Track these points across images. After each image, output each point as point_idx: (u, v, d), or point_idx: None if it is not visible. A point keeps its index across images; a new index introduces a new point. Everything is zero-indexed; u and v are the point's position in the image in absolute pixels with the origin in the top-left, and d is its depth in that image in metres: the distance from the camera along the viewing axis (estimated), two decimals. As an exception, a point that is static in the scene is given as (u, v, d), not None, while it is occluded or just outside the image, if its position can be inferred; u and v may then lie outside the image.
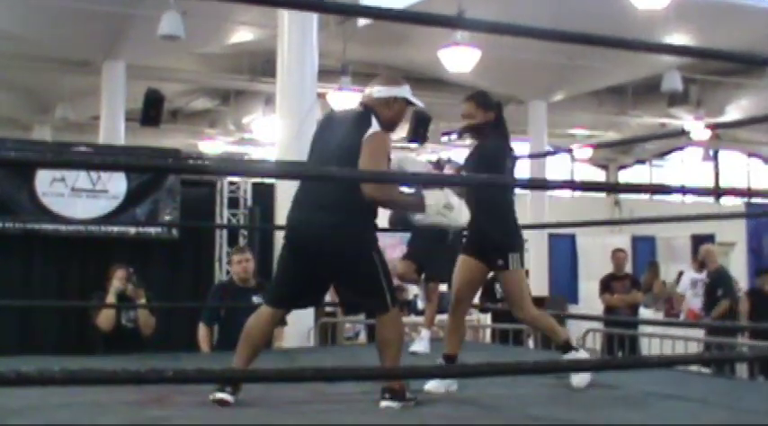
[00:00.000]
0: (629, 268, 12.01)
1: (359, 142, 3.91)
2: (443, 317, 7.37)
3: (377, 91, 4.13)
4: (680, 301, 11.05)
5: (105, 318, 6.28)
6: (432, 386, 4.29)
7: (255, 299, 6.27)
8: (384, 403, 3.84)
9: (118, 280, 6.38)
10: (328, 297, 8.64)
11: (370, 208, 3.97)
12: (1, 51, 14.08)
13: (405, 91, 4.17)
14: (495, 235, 4.54)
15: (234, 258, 6.74)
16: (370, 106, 4.09)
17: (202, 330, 6.52)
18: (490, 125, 4.61)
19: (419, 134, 10.39)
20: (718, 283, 9.43)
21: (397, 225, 6.57)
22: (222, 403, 3.77)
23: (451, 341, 4.53)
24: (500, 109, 4.72)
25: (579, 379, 4.41)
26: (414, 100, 4.22)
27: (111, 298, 6.29)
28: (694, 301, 10.37)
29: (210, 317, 6.50)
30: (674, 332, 8.18)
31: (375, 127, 3.97)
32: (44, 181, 7.37)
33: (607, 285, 9.92)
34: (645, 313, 11.29)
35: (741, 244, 13.10)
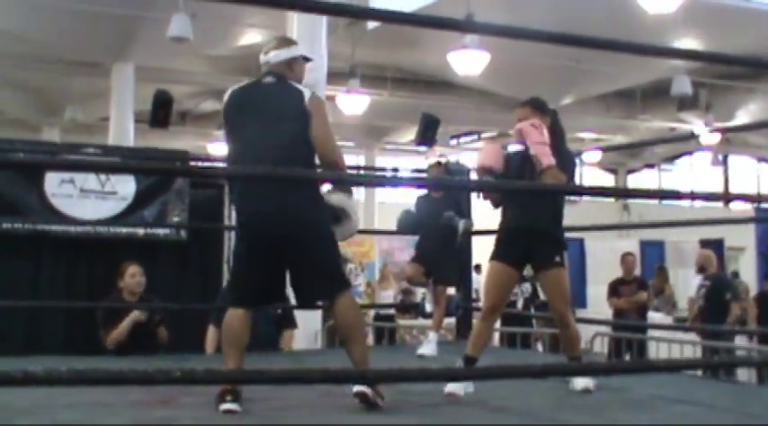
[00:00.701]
0: (637, 272, 11.93)
1: (302, 108, 3.86)
2: (451, 320, 7.41)
3: (274, 55, 4.07)
4: (693, 306, 10.99)
5: (115, 341, 6.19)
6: (452, 387, 4.25)
7: None
8: (357, 388, 3.78)
9: (130, 277, 6.36)
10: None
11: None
12: (11, 52, 14.15)
13: (300, 49, 4.17)
14: (556, 232, 4.63)
15: None
16: (277, 72, 4.03)
17: (212, 331, 6.51)
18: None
19: (427, 137, 10.33)
20: (721, 287, 9.39)
21: (404, 229, 6.57)
22: (230, 412, 3.70)
23: (477, 344, 4.49)
24: (555, 114, 4.70)
25: (583, 383, 4.40)
26: (309, 55, 4.23)
27: (126, 326, 6.19)
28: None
29: (220, 318, 6.49)
30: (682, 337, 8.17)
31: (306, 90, 3.96)
32: (53, 182, 7.38)
33: (615, 289, 9.93)
34: (655, 316, 11.26)
35: (750, 248, 13.06)
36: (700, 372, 6.39)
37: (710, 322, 8.83)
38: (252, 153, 3.84)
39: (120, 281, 6.40)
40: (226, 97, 4.06)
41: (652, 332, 9.04)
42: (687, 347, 7.55)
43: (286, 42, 4.20)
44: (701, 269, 9.57)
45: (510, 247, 4.57)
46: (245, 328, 3.94)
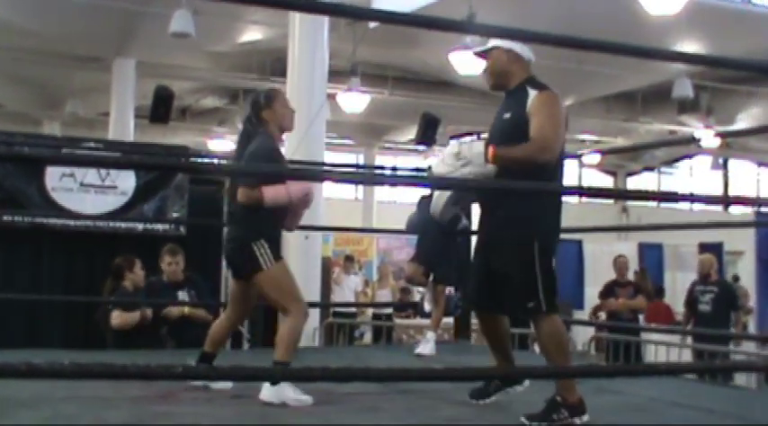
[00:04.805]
0: (631, 274, 11.85)
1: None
2: (449, 320, 7.41)
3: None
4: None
5: (123, 324, 6.10)
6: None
7: (181, 295, 6.33)
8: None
9: (137, 273, 6.33)
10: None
11: None
12: (13, 46, 14.15)
13: None
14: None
15: (165, 259, 6.48)
16: None
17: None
18: None
19: (427, 137, 10.37)
20: (730, 296, 9.39)
21: (411, 230, 6.55)
22: None
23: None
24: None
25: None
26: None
27: (135, 316, 6.14)
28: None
29: None
30: (676, 340, 8.16)
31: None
32: (54, 176, 7.39)
33: (611, 290, 9.85)
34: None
35: (750, 252, 13.04)
36: (696, 376, 6.38)
37: (716, 328, 8.79)
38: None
39: (128, 275, 6.33)
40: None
41: (651, 336, 9.03)
42: (684, 351, 7.55)
43: None
44: (706, 276, 9.49)
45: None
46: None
